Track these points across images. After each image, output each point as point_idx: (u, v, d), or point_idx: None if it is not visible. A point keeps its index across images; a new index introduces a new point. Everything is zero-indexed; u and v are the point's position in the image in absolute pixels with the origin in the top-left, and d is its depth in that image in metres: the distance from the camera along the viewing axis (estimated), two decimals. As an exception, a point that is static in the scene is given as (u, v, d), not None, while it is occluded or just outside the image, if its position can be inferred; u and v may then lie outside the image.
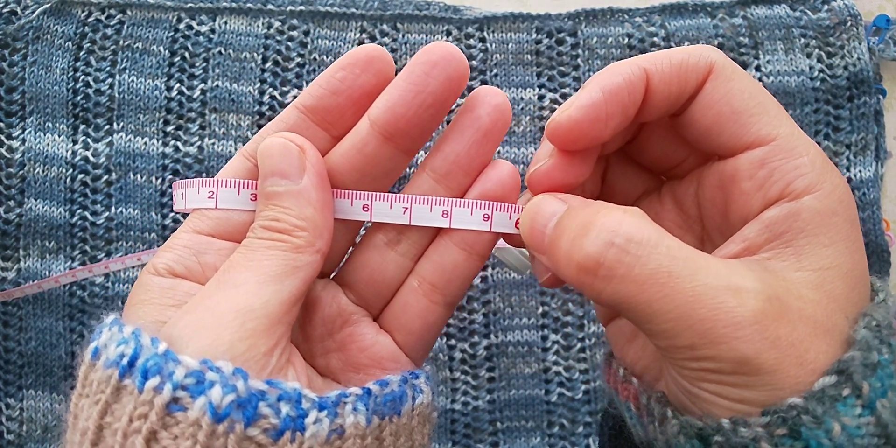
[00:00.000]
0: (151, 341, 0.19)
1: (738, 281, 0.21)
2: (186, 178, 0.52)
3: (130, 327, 0.19)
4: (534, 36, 0.52)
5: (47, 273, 0.50)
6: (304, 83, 0.52)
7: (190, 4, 0.52)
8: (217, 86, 0.51)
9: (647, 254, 0.21)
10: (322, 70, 0.51)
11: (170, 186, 0.51)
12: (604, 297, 0.21)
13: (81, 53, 0.52)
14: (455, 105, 0.36)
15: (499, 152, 0.51)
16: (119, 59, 0.51)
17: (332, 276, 0.27)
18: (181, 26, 0.52)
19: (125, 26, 0.51)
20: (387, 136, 0.25)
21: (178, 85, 0.52)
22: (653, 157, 0.27)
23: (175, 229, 0.50)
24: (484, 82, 0.52)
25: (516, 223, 0.26)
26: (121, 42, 0.51)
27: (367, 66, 0.25)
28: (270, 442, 0.19)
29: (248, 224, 0.24)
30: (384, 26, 0.52)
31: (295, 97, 0.51)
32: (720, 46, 0.51)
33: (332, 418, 0.20)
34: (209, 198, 0.24)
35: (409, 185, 0.26)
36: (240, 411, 0.18)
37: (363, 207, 0.25)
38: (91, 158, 0.51)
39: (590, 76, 0.52)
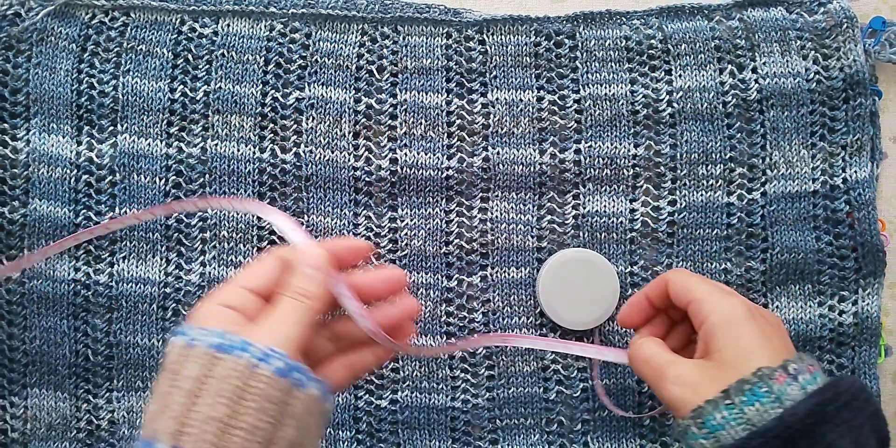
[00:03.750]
0: (233, 337, 0.32)
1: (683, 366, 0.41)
2: (190, 179, 0.52)
3: (214, 330, 0.33)
4: (533, 38, 0.52)
5: (52, 273, 0.51)
6: (306, 85, 0.52)
7: (193, 7, 0.52)
8: (220, 87, 0.52)
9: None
10: (324, 72, 0.52)
11: (174, 187, 0.52)
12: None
13: (85, 55, 0.52)
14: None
15: (497, 153, 0.52)
16: (123, 61, 0.52)
17: None
18: (184, 29, 0.52)
19: (129, 29, 0.52)
20: None
21: (181, 87, 0.52)
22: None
23: (178, 229, 0.51)
24: (483, 84, 0.52)
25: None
26: (124, 44, 0.52)
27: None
28: (294, 386, 0.32)
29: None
30: (385, 29, 0.53)
31: (297, 99, 0.52)
32: (717, 48, 0.52)
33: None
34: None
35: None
36: (289, 372, 0.32)
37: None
38: (95, 159, 0.52)
39: (588, 78, 0.53)
